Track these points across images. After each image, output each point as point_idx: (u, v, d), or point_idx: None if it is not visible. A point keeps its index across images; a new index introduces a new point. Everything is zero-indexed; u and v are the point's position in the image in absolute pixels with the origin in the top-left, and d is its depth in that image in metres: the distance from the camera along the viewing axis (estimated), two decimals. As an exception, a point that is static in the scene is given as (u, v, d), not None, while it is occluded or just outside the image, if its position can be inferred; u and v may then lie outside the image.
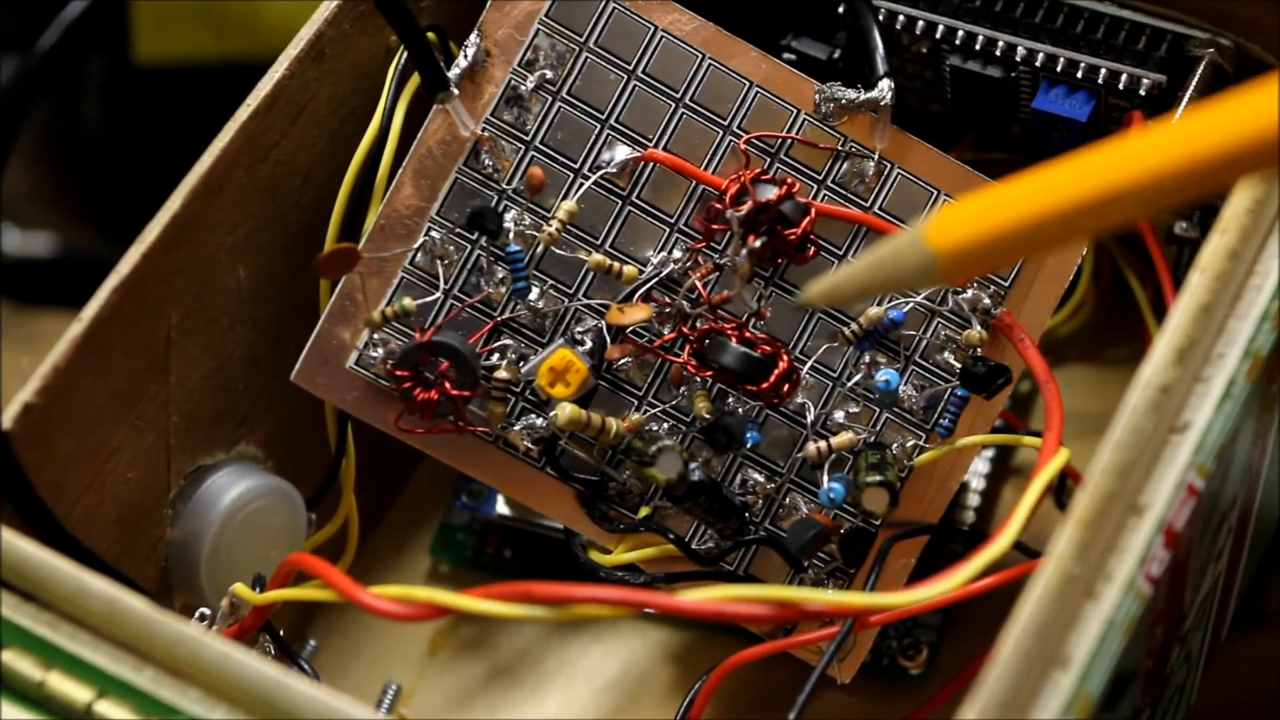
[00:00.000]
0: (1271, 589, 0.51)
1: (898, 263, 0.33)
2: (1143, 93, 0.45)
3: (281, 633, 0.45)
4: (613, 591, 0.37)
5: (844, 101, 0.44)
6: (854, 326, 0.44)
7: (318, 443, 0.46)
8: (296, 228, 0.46)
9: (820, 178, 0.44)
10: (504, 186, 0.44)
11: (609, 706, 0.50)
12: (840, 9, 0.47)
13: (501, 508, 0.51)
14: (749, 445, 0.44)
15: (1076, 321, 0.53)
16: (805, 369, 0.44)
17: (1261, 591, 0.51)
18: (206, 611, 0.44)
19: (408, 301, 0.43)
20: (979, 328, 0.44)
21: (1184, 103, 0.45)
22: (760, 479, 0.44)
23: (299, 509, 0.47)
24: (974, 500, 0.51)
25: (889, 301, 0.44)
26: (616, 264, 0.44)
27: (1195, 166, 0.30)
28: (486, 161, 0.44)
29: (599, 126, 0.44)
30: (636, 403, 0.44)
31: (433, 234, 0.44)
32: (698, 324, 0.44)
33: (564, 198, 0.44)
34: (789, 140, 0.44)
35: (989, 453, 0.52)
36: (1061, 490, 0.49)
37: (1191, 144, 0.31)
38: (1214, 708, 0.48)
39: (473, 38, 0.43)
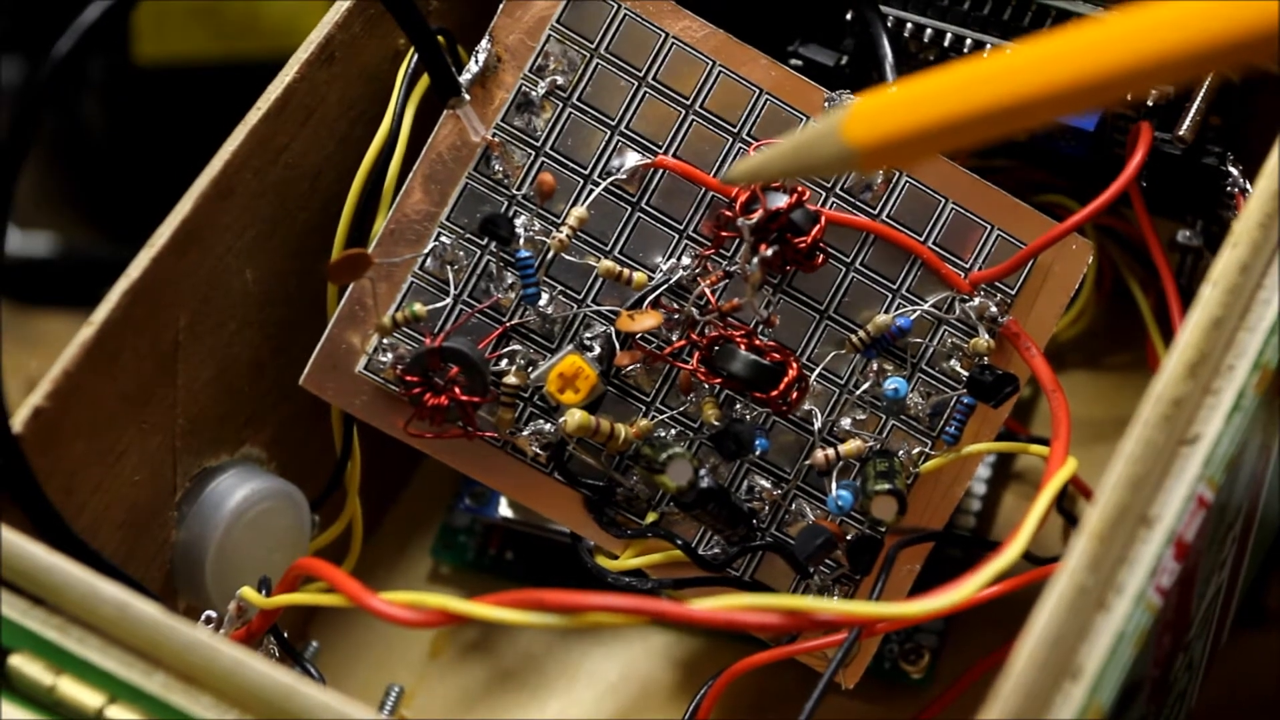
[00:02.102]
0: (1270, 589, 0.51)
1: (815, 150, 0.33)
2: (1150, 103, 0.45)
3: (285, 635, 0.45)
4: (625, 599, 0.37)
5: (853, 109, 0.44)
6: (861, 334, 0.44)
7: (321, 445, 0.46)
8: (304, 231, 0.46)
9: (829, 185, 0.44)
10: (514, 192, 0.44)
11: (611, 710, 0.50)
12: (848, 16, 0.48)
13: (504, 510, 0.51)
14: (758, 452, 0.44)
15: (1078, 327, 0.53)
16: (813, 376, 0.44)
17: (1261, 591, 0.51)
18: (213, 614, 0.44)
19: (418, 307, 0.43)
20: (986, 336, 0.44)
21: (1190, 114, 0.45)
22: (767, 485, 0.45)
23: (303, 511, 0.47)
24: (975, 505, 0.52)
25: (896, 309, 0.44)
26: (626, 270, 0.44)
27: (1108, 77, 0.30)
28: (497, 167, 0.44)
29: (609, 133, 0.44)
30: (645, 409, 0.44)
31: (443, 239, 0.44)
32: (707, 331, 0.44)
33: (574, 204, 0.44)
34: (798, 148, 0.44)
35: (990, 458, 0.52)
36: (1062, 496, 0.50)
37: (1111, 51, 0.30)
38: (1213, 708, 0.48)
39: (484, 43, 0.43)
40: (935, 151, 0.33)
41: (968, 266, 0.45)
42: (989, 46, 0.46)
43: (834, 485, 0.44)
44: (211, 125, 0.44)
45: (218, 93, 0.58)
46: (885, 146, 0.32)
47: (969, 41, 0.47)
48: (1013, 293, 0.45)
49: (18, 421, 0.40)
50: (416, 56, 0.44)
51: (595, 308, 0.44)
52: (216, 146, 0.43)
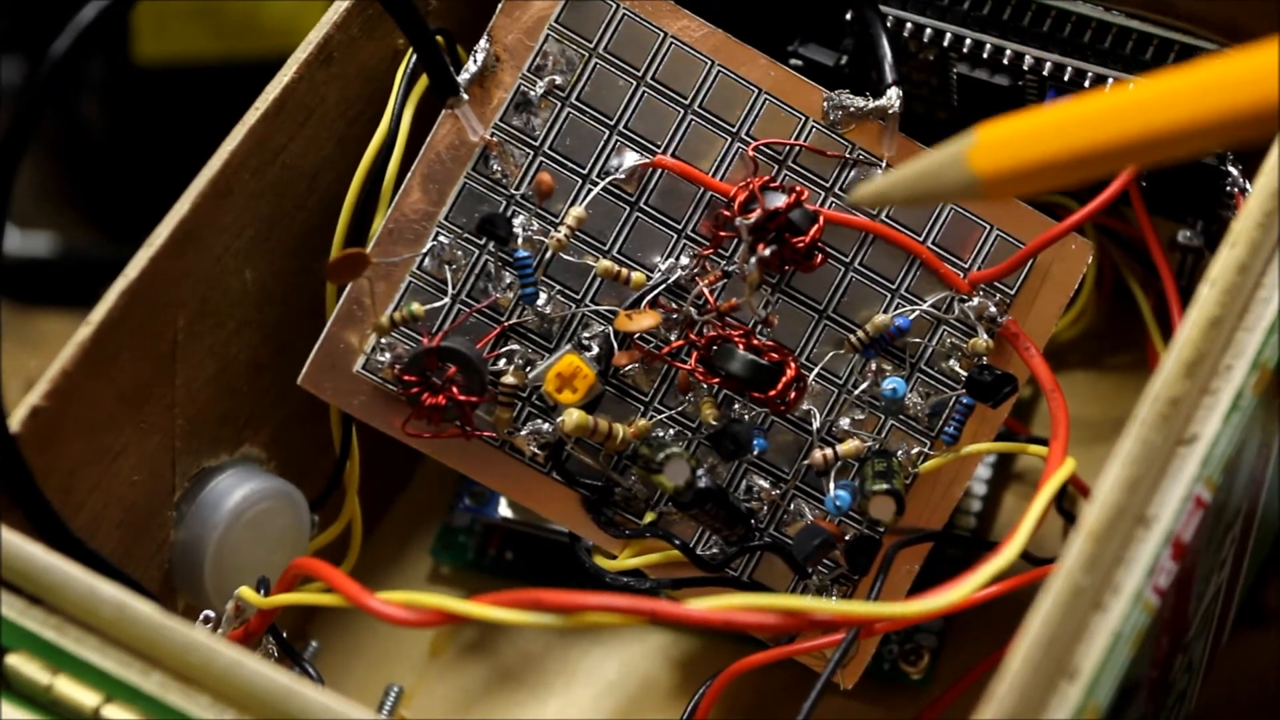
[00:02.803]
0: (1270, 589, 0.51)
1: (940, 177, 0.33)
2: (1149, 103, 0.45)
3: (284, 635, 0.45)
4: (623, 599, 0.37)
5: (852, 109, 0.44)
6: (860, 334, 0.44)
7: (320, 444, 0.46)
8: (302, 231, 0.46)
9: (828, 185, 0.44)
10: (512, 192, 0.44)
11: (609, 709, 0.50)
12: (847, 16, 0.48)
13: (504, 510, 0.51)
14: (756, 452, 0.44)
15: (1079, 328, 0.53)
16: (812, 376, 0.44)
17: (1260, 591, 0.51)
18: (211, 614, 0.44)
19: (416, 306, 0.43)
20: (985, 336, 0.44)
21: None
22: (765, 485, 0.45)
23: (302, 511, 0.47)
24: (975, 505, 0.51)
25: (895, 309, 0.44)
26: (624, 270, 0.44)
27: (1254, 111, 0.30)
28: (495, 167, 0.44)
29: (608, 132, 0.44)
30: (643, 409, 0.44)
31: (441, 239, 0.44)
32: (705, 330, 0.44)
33: (572, 203, 0.44)
34: (797, 147, 0.44)
35: (990, 458, 0.52)
36: (1062, 496, 0.50)
37: (1252, 86, 0.30)
38: (1213, 707, 0.48)
39: (482, 43, 0.43)
40: (1060, 185, 0.33)
41: (967, 266, 0.45)
42: (988, 46, 0.46)
43: (832, 485, 0.44)
44: (211, 125, 0.44)
45: (218, 93, 0.58)
46: (1011, 177, 0.32)
47: (968, 41, 0.46)
48: (1012, 293, 0.45)
49: (16, 421, 0.40)
50: (415, 57, 0.44)
51: (593, 307, 0.44)
52: (216, 146, 0.43)
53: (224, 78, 0.64)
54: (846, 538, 0.44)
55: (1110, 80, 0.45)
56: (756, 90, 0.44)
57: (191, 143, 0.46)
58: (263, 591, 0.43)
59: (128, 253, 0.42)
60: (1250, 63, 0.31)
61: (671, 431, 0.44)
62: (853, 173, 0.44)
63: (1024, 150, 0.32)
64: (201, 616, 0.44)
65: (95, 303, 0.41)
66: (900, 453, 0.44)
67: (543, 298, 0.44)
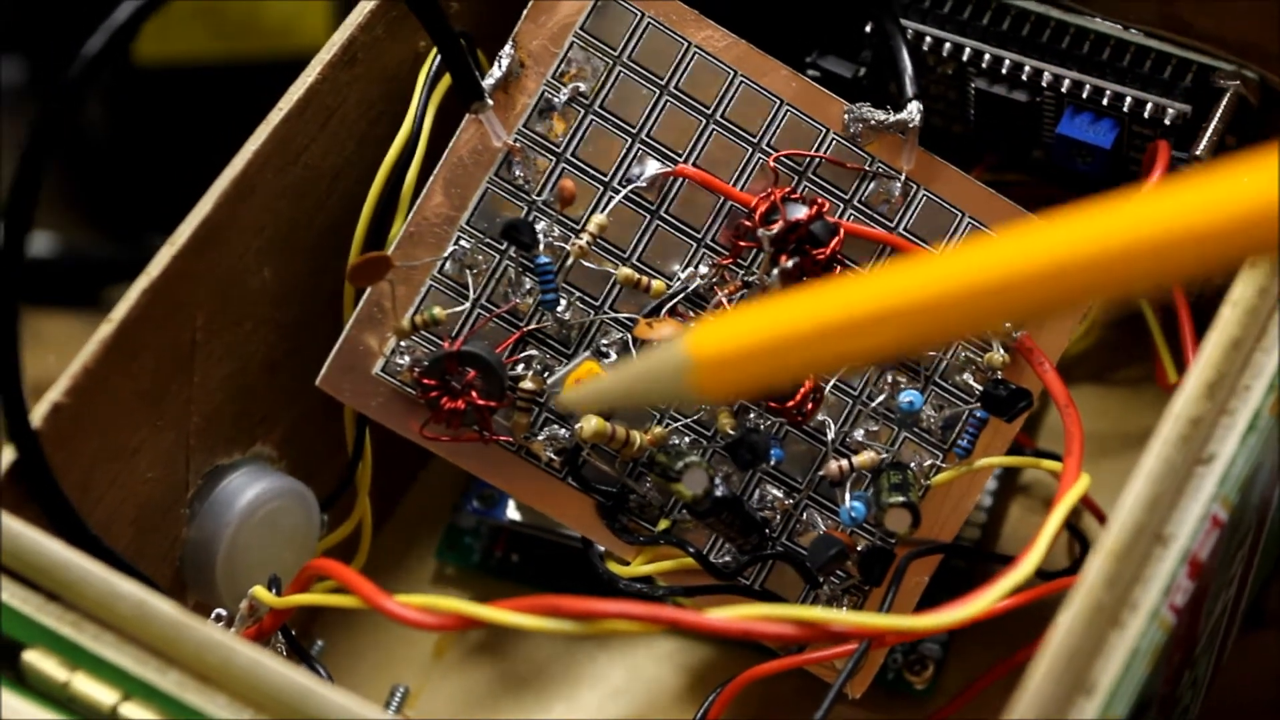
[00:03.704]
0: (1272, 590, 0.51)
1: (653, 392, 0.33)
2: (1167, 122, 0.45)
3: (294, 633, 0.45)
4: (641, 608, 0.37)
5: (873, 122, 0.44)
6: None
7: (331, 444, 0.47)
8: (322, 231, 0.46)
9: (847, 197, 0.44)
10: (534, 198, 0.44)
11: (615, 714, 0.50)
12: (866, 28, 0.48)
13: (512, 513, 0.51)
14: (772, 462, 0.44)
15: (1086, 342, 0.53)
16: (829, 387, 0.44)
17: (1262, 594, 0.51)
18: (223, 612, 0.44)
19: (438, 310, 0.43)
20: (1000, 350, 0.44)
21: (1207, 133, 0.45)
22: (779, 495, 0.45)
23: (313, 510, 0.47)
24: (980, 517, 0.52)
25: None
26: (644, 278, 0.44)
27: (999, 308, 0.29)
28: (517, 172, 0.44)
29: (630, 140, 0.44)
30: (660, 416, 0.44)
31: (462, 243, 0.44)
32: (723, 340, 0.44)
33: (594, 210, 0.44)
34: (817, 159, 0.44)
35: (997, 470, 0.52)
36: (1068, 510, 0.50)
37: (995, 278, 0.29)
38: (1213, 709, 0.48)
39: (507, 48, 0.44)
40: (783, 378, 0.33)
41: (983, 281, 0.45)
42: (1007, 62, 0.47)
43: (847, 496, 0.44)
44: (211, 125, 0.44)
45: (218, 93, 0.59)
46: (728, 396, 0.32)
47: (987, 56, 0.47)
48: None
49: (36, 417, 0.40)
50: (438, 59, 0.44)
51: (613, 314, 0.44)
52: (217, 146, 0.43)
53: (224, 78, 0.63)
54: (859, 549, 0.45)
55: (1128, 99, 0.46)
56: (778, 101, 0.44)
57: (192, 143, 0.46)
58: (275, 590, 0.43)
59: (128, 253, 0.42)
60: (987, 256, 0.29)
61: (688, 440, 0.44)
62: (872, 185, 0.44)
63: (741, 373, 0.31)
64: (214, 615, 0.44)
65: (96, 303, 0.41)
66: (913, 465, 0.45)
67: (562, 304, 0.44)
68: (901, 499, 0.43)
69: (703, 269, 0.44)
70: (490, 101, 0.43)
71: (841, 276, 0.30)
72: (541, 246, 0.44)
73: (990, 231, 0.45)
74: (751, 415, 0.44)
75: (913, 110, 0.44)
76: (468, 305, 0.44)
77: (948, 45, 0.47)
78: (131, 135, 0.66)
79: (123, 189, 0.66)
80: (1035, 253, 0.29)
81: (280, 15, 0.64)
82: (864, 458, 0.44)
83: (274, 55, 0.45)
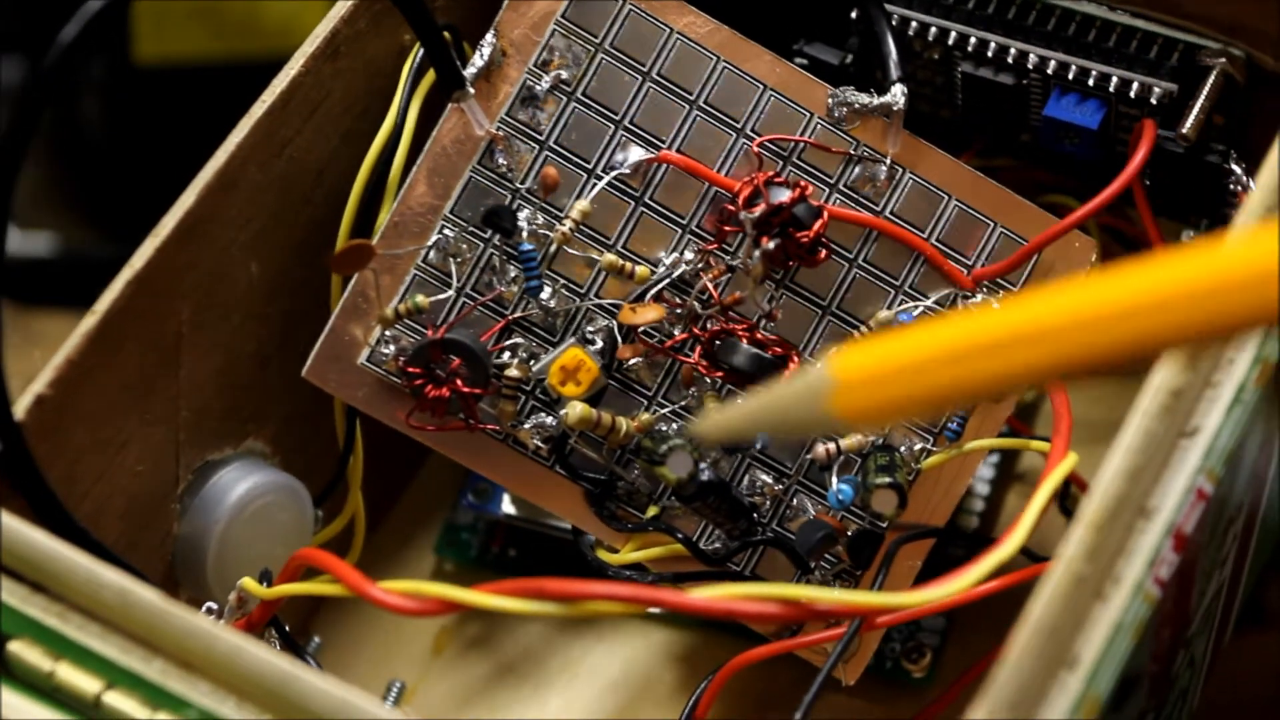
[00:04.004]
0: (1271, 589, 0.51)
1: (793, 413, 0.32)
2: (1154, 101, 0.45)
3: (286, 628, 0.45)
4: (625, 588, 0.37)
5: (857, 106, 0.44)
6: (864, 329, 0.44)
7: (324, 439, 0.47)
8: (309, 224, 0.46)
9: (832, 181, 0.44)
10: (518, 186, 0.44)
11: (612, 706, 0.50)
12: (852, 14, 0.48)
13: (507, 507, 0.51)
14: (758, 446, 0.44)
15: (1082, 329, 0.53)
16: (815, 371, 0.44)
17: (1261, 592, 0.51)
18: (214, 606, 0.44)
19: (421, 299, 0.43)
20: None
21: (1193, 112, 0.45)
22: (768, 480, 0.45)
23: (306, 505, 0.47)
24: (978, 505, 0.52)
25: (898, 305, 0.44)
26: (629, 264, 0.44)
27: (1135, 345, 0.28)
28: (500, 161, 0.44)
29: (613, 127, 0.44)
30: (647, 403, 0.44)
31: (446, 232, 0.44)
32: (709, 325, 0.44)
33: (577, 198, 0.44)
34: (802, 144, 0.44)
35: (993, 458, 0.52)
36: (1065, 496, 0.50)
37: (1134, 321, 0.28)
38: (1214, 708, 0.48)
39: (489, 37, 0.44)
40: (927, 400, 0.31)
41: (970, 263, 0.45)
42: (992, 45, 0.46)
43: (834, 480, 0.44)
44: (211, 125, 0.45)
45: (218, 93, 0.59)
46: (871, 417, 0.31)
47: (973, 40, 0.47)
48: (1015, 289, 0.45)
49: (20, 409, 0.40)
50: (421, 52, 0.44)
51: (597, 301, 0.44)
52: (216, 146, 0.43)
53: (224, 78, 0.64)
54: (849, 533, 0.44)
55: (1114, 79, 0.45)
56: (762, 86, 0.44)
57: (191, 143, 0.46)
58: (265, 583, 0.43)
59: (128, 253, 0.42)
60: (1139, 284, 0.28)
61: (675, 426, 0.44)
62: (857, 169, 0.44)
63: (886, 391, 0.30)
64: (204, 608, 0.44)
65: (94, 303, 0.41)
66: (903, 449, 0.44)
67: (547, 291, 0.44)
68: (888, 480, 0.42)
69: (688, 255, 0.44)
70: (472, 90, 0.43)
71: (978, 314, 0.29)
72: (525, 234, 0.44)
73: (977, 213, 0.45)
74: (739, 401, 0.44)
75: (897, 93, 0.44)
76: (452, 293, 0.44)
77: (933, 29, 0.47)
78: (131, 135, 0.66)
79: (122, 189, 0.66)
80: (1219, 267, 0.28)
81: (280, 15, 0.64)
82: (851, 441, 0.44)
83: (274, 55, 0.45)
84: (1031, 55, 0.46)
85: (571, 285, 0.44)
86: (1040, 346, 0.29)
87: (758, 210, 0.43)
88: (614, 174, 0.44)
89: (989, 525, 0.52)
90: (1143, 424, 0.36)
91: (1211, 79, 0.45)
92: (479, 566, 0.53)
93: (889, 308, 0.44)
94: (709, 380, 0.44)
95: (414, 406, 0.43)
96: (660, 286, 0.44)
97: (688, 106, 0.44)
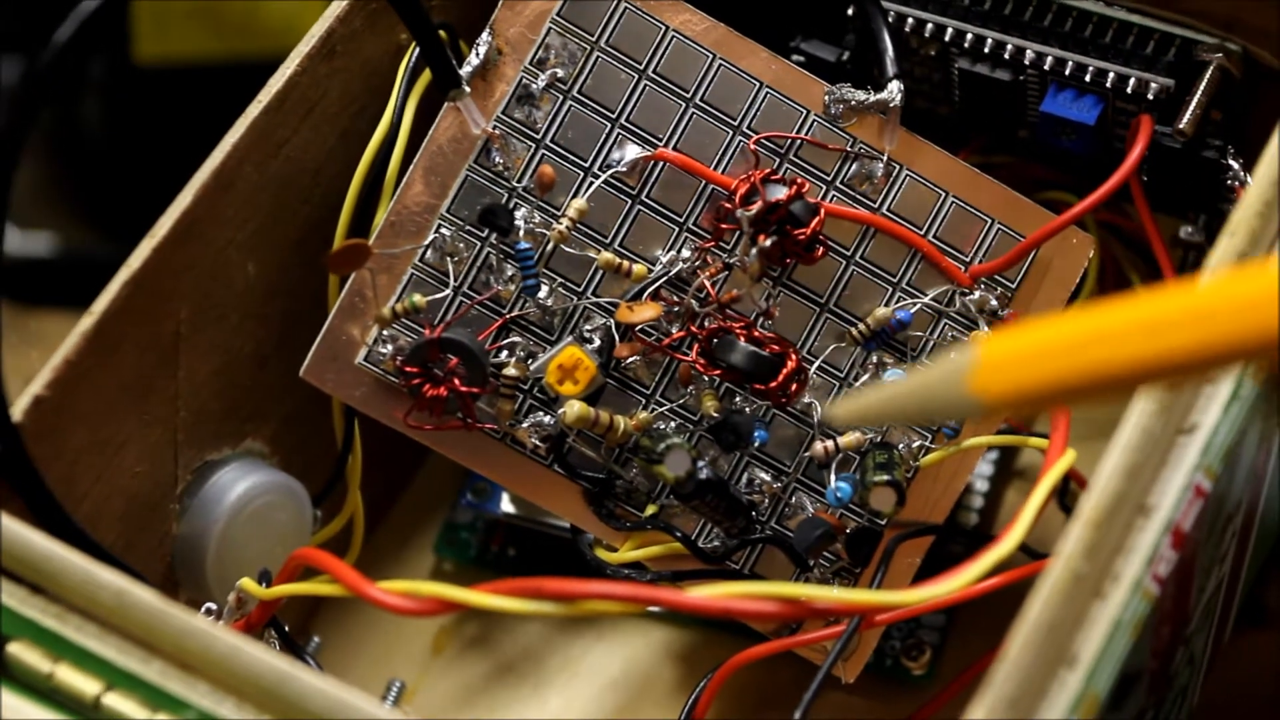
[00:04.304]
0: (1271, 588, 0.51)
1: (935, 397, 0.31)
2: (1151, 97, 0.45)
3: (286, 628, 0.45)
4: (623, 587, 0.37)
5: (853, 103, 0.44)
6: (861, 327, 0.44)
7: (323, 439, 0.47)
8: (306, 224, 0.46)
9: (829, 179, 0.44)
10: (514, 184, 0.44)
11: (612, 705, 0.50)
12: (849, 11, 0.48)
13: (506, 506, 0.51)
14: (756, 444, 0.44)
15: (1081, 325, 0.53)
16: (813, 369, 0.44)
17: (1261, 590, 0.51)
18: (213, 606, 0.44)
19: (418, 298, 0.43)
20: (986, 329, 0.44)
21: (1190, 107, 0.45)
22: (767, 478, 0.45)
23: (305, 505, 0.47)
24: (977, 502, 0.51)
25: (896, 302, 0.44)
26: (626, 262, 0.44)
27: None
28: (497, 159, 0.44)
29: (609, 125, 0.44)
30: (644, 401, 0.44)
31: (443, 231, 0.44)
32: (706, 323, 0.44)
33: (574, 196, 0.44)
34: (798, 141, 0.44)
35: (992, 455, 0.52)
36: (1064, 493, 0.50)
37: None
38: (1214, 707, 0.48)
39: (484, 36, 0.44)
40: (1066, 404, 0.31)
41: (968, 260, 0.45)
42: (989, 41, 0.46)
43: (833, 477, 0.44)
44: (211, 125, 0.45)
45: (218, 92, 0.59)
46: (1016, 401, 0.30)
47: (970, 36, 0.47)
48: (1013, 286, 0.45)
49: (18, 410, 0.40)
50: (418, 51, 0.44)
51: (595, 300, 0.44)
52: (216, 147, 0.43)
53: (224, 77, 0.64)
54: (848, 530, 0.44)
55: (1111, 74, 0.45)
56: (758, 84, 0.44)
57: (191, 143, 0.46)
58: (264, 584, 0.43)
59: (128, 253, 0.42)
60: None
61: (673, 424, 0.44)
62: (854, 166, 0.44)
63: (1032, 373, 0.30)
64: (203, 609, 0.44)
65: (93, 304, 0.41)
66: (902, 446, 0.44)
67: (544, 290, 0.44)
68: (885, 477, 0.42)
69: (685, 253, 0.44)
70: (468, 89, 0.43)
71: (1134, 303, 0.28)
72: (522, 233, 0.44)
73: (975, 210, 0.45)
74: (737, 399, 0.44)
75: (893, 90, 0.44)
76: (449, 292, 0.44)
77: (930, 25, 0.47)
78: (131, 135, 0.66)
79: (122, 189, 0.66)
80: None
81: (280, 15, 0.64)
82: (850, 439, 0.44)
83: (274, 55, 0.45)
84: (1028, 51, 0.46)
85: (569, 284, 0.44)
86: (1195, 330, 0.28)
87: (755, 208, 0.43)
88: (610, 172, 0.44)
89: (988, 522, 0.52)
90: (1141, 421, 0.36)
91: (1208, 74, 0.45)
92: (478, 566, 0.53)
93: (887, 304, 0.44)
94: (707, 378, 0.44)
95: (412, 406, 0.43)
96: (657, 284, 0.44)
97: (684, 104, 0.44)
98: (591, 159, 0.44)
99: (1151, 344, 0.29)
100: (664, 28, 0.44)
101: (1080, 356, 0.29)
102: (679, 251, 0.44)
